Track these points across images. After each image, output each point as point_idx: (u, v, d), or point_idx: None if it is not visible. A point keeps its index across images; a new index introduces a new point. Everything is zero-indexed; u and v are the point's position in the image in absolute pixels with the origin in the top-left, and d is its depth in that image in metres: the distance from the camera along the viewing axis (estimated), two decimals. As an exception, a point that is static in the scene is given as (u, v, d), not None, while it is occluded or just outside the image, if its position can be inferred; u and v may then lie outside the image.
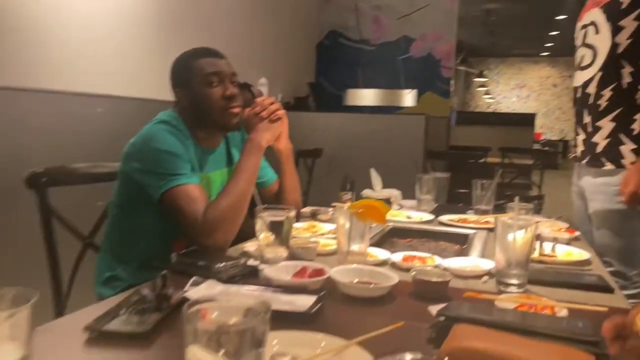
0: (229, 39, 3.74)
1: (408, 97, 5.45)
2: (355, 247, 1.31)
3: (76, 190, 1.72)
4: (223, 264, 1.26)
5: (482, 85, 14.44)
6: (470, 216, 2.01)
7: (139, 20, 3.03)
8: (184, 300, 0.96)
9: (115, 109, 2.80)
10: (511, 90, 17.03)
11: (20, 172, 1.60)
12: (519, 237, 1.13)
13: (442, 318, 0.86)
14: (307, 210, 1.98)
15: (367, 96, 5.56)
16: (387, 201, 2.12)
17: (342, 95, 5.59)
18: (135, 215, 1.55)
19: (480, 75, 13.97)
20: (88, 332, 0.84)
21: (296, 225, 1.68)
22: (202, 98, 1.53)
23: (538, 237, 1.44)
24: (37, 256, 1.57)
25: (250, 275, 1.19)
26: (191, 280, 1.10)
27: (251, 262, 1.27)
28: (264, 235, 1.24)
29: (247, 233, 1.50)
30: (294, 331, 0.83)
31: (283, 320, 0.86)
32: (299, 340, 0.81)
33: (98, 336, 0.84)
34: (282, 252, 1.26)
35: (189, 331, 0.56)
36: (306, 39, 5.46)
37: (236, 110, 1.56)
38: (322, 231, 1.69)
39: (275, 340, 0.79)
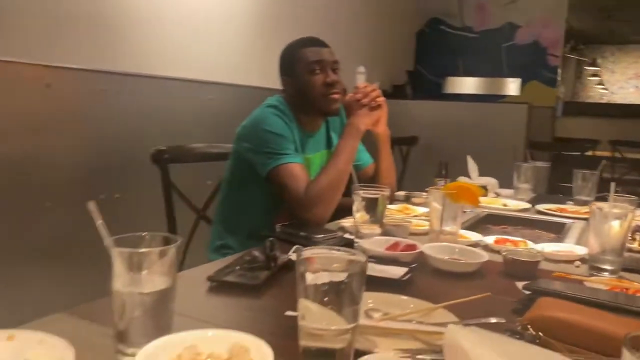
0: (328, 28, 3.85)
1: (511, 86, 5.28)
2: (447, 227, 1.36)
3: (190, 167, 1.91)
4: (322, 235, 1.37)
5: (595, 75, 13.43)
6: (570, 206, 1.97)
7: (246, 11, 3.22)
8: (289, 261, 1.09)
9: (223, 95, 3.02)
10: (628, 80, 15.70)
11: (144, 149, 1.82)
12: (615, 224, 1.13)
13: (528, 292, 0.90)
14: (401, 193, 2.04)
15: (467, 84, 5.46)
16: (484, 189, 2.13)
17: (441, 83, 5.53)
18: (244, 191, 1.71)
19: (593, 64, 13.01)
20: (210, 281, 0.99)
21: (390, 207, 1.76)
22: (305, 85, 1.65)
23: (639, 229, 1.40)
24: (157, 226, 1.78)
25: (346, 247, 1.28)
26: (294, 248, 1.22)
27: (347, 235, 1.38)
28: (360, 213, 1.33)
29: (344, 211, 1.60)
30: (386, 293, 0.92)
31: (376, 285, 0.95)
32: (390, 301, 0.89)
33: (218, 285, 0.99)
34: (376, 229, 1.34)
35: (299, 281, 0.66)
36: (406, 26, 5.45)
37: (336, 96, 1.66)
38: (416, 213, 1.75)
39: (370, 300, 0.88)
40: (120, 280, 0.66)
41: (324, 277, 0.66)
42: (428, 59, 5.56)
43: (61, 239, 2.20)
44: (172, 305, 0.69)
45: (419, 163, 3.68)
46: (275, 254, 1.11)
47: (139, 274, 0.67)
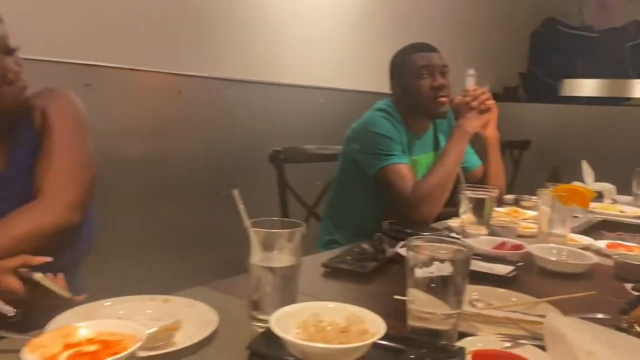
0: (438, 30, 3.85)
1: (637, 87, 4.91)
2: (556, 230, 1.36)
3: (301, 167, 2.05)
4: (428, 233, 1.43)
5: None
6: (698, 215, 1.85)
7: (356, 18, 3.34)
8: (396, 255, 1.16)
9: (333, 99, 3.15)
10: None
11: (262, 150, 1.99)
12: None
13: (638, 293, 0.90)
14: (510, 197, 2.03)
15: (586, 86, 5.16)
16: (599, 195, 2.05)
17: (557, 86, 5.27)
18: (352, 190, 1.81)
19: None
20: (324, 267, 1.10)
21: (498, 209, 1.77)
22: (413, 89, 1.71)
23: None
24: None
25: (452, 245, 1.33)
26: (400, 243, 1.29)
27: (453, 235, 1.42)
28: (467, 213, 1.37)
29: (450, 212, 1.65)
30: (490, 287, 0.97)
31: (482, 280, 1.00)
32: (494, 294, 0.94)
33: (331, 271, 1.09)
34: (483, 229, 1.37)
35: (409, 273, 0.74)
36: (519, 27, 5.27)
37: (443, 99, 1.71)
38: (525, 216, 1.75)
39: (475, 293, 0.94)
40: (256, 256, 0.79)
41: (431, 270, 0.73)
42: (543, 60, 5.33)
43: (188, 227, 2.45)
44: (297, 280, 0.80)
45: (531, 167, 3.57)
46: (383, 247, 1.19)
47: (271, 252, 0.79)
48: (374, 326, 0.67)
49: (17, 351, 0.63)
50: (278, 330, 0.64)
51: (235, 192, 0.82)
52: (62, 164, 1.00)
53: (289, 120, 2.89)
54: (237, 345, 0.71)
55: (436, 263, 0.71)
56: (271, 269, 0.78)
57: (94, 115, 1.15)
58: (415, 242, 0.75)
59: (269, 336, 0.67)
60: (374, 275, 1.09)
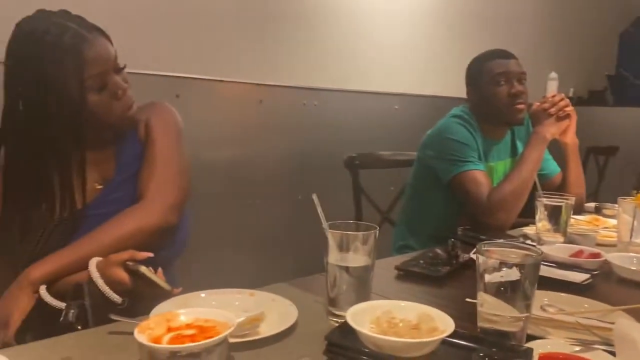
0: (517, 32, 3.77)
1: None
2: (637, 240, 1.32)
3: (376, 173, 2.09)
4: (502, 240, 1.44)
5: None
6: None
7: (431, 25, 3.34)
8: (470, 261, 1.19)
9: (408, 105, 3.18)
10: None
11: (338, 155, 2.06)
12: None
13: None
14: (591, 204, 1.97)
15: (683, 88, 4.83)
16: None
17: (648, 88, 4.97)
18: (426, 196, 1.83)
19: None
20: (397, 270, 1.14)
21: (578, 217, 1.73)
22: (491, 96, 1.72)
23: None
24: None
25: (527, 252, 1.33)
26: (475, 249, 1.31)
27: (529, 242, 1.42)
28: (542, 220, 1.36)
29: (527, 220, 1.63)
30: (563, 294, 0.97)
31: (556, 287, 1.02)
32: (566, 301, 0.95)
33: (404, 274, 1.14)
34: (559, 237, 1.36)
35: (479, 278, 0.77)
36: (606, 27, 5.02)
37: (520, 106, 1.70)
38: (606, 225, 1.70)
39: (546, 298, 0.95)
40: (333, 256, 0.85)
41: (500, 275, 0.76)
42: (632, 61, 5.04)
43: (268, 228, 2.57)
44: (371, 280, 0.86)
45: (618, 174, 3.41)
46: (457, 253, 1.22)
47: (346, 253, 0.85)
48: (444, 324, 0.72)
49: (126, 333, 0.73)
50: (354, 324, 0.70)
51: (315, 197, 0.89)
52: (163, 171, 1.11)
53: (364, 126, 2.95)
54: (315, 337, 0.77)
55: (505, 268, 0.74)
56: (346, 269, 0.84)
57: (183, 124, 1.26)
58: (485, 247, 0.79)
59: (345, 329, 0.73)
60: (446, 279, 1.12)
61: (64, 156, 1.06)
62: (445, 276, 1.12)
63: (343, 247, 0.85)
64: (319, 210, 0.88)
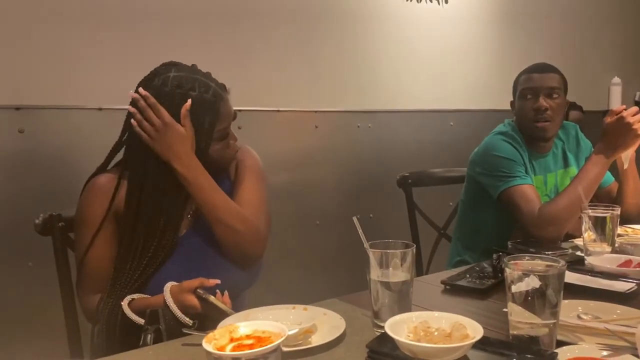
0: (575, 36, 3.69)
1: None
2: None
3: (432, 190, 2.15)
4: (551, 252, 1.47)
5: None
6: None
7: (485, 37, 3.36)
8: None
9: (465, 121, 3.21)
10: None
11: (394, 175, 2.14)
12: None
13: None
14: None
15: None
16: None
17: None
18: (478, 211, 1.88)
19: None
20: (443, 284, 1.21)
21: (636, 226, 1.71)
22: (518, 110, 1.78)
23: None
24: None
25: (576, 263, 1.36)
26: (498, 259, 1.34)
27: (578, 253, 1.44)
28: (588, 231, 1.38)
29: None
30: (597, 302, 1.01)
31: (599, 296, 1.05)
32: (600, 308, 0.98)
33: (450, 288, 1.21)
34: (606, 247, 1.37)
35: (507, 289, 0.84)
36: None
37: (542, 124, 1.72)
38: (665, 234, 1.67)
39: (580, 307, 0.99)
40: (374, 272, 0.94)
41: (525, 285, 0.82)
42: None
43: (328, 249, 2.68)
44: (410, 293, 0.94)
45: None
46: (502, 266, 1.26)
47: (387, 270, 0.94)
48: (474, 331, 0.79)
49: (196, 345, 0.86)
50: (391, 333, 0.79)
51: (355, 219, 0.99)
52: (253, 204, 1.26)
53: (419, 145, 3.01)
54: (361, 346, 0.86)
55: (527, 278, 0.80)
56: (387, 284, 0.93)
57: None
58: (511, 259, 0.85)
59: (384, 338, 0.82)
60: (490, 292, 1.18)
61: (182, 192, 1.20)
62: (488, 289, 1.18)
63: (383, 264, 0.94)
64: (360, 231, 0.98)
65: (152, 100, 1.16)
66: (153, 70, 1.21)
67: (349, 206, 2.75)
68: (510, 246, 1.56)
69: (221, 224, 1.19)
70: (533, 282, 0.79)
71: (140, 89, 1.18)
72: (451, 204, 2.20)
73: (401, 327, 0.84)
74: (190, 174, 1.17)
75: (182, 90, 1.16)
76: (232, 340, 0.83)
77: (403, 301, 0.94)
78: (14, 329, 1.80)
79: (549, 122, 1.73)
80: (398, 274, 0.93)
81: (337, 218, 2.71)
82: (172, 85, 1.17)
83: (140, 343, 0.99)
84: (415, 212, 2.10)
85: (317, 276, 2.59)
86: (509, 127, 1.81)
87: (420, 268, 2.01)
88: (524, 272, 0.81)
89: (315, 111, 2.67)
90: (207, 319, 1.06)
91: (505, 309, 0.96)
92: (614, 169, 1.83)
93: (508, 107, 1.89)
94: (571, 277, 1.19)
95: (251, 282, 1.30)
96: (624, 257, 1.29)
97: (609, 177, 1.86)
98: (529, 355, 0.76)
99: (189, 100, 1.16)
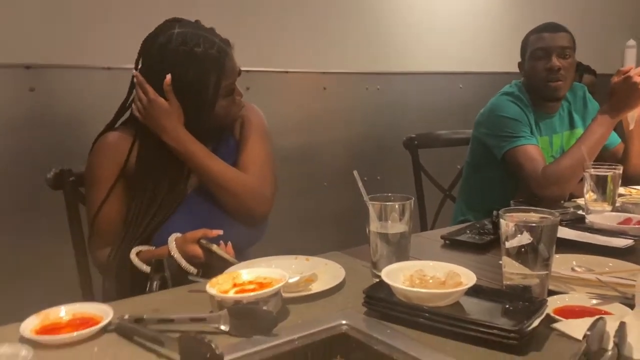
0: (584, 3, 3.61)
1: None
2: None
3: (439, 152, 2.16)
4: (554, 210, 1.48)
5: None
6: None
7: (494, 3, 3.30)
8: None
9: (472, 83, 3.18)
10: None
11: (397, 137, 2.15)
12: None
13: None
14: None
15: None
16: None
17: None
18: (483, 173, 1.89)
19: None
20: (443, 239, 1.24)
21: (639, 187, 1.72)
22: (529, 70, 1.76)
23: None
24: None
25: (577, 222, 1.38)
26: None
27: (580, 212, 1.46)
28: (589, 191, 1.39)
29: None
30: (591, 256, 1.03)
31: (597, 252, 1.07)
32: (593, 262, 1.01)
33: (450, 243, 1.24)
34: (606, 206, 1.38)
35: (502, 243, 0.86)
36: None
37: (556, 83, 1.70)
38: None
39: (574, 261, 1.02)
40: (374, 225, 0.97)
41: (518, 237, 0.84)
42: None
43: (335, 209, 2.71)
44: (408, 245, 0.97)
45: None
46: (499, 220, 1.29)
47: (386, 222, 0.97)
48: (467, 279, 0.82)
49: (201, 291, 0.89)
50: (387, 279, 0.82)
51: (355, 173, 1.01)
52: (258, 163, 1.27)
53: (429, 107, 3.00)
54: (359, 293, 0.89)
55: (522, 231, 0.82)
56: (385, 235, 0.96)
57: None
58: (505, 212, 0.87)
59: (381, 284, 0.85)
60: (489, 247, 1.20)
61: None
62: (487, 244, 1.21)
63: (382, 217, 0.96)
64: (360, 184, 1.00)
65: (139, 78, 1.21)
66: (157, 28, 1.22)
67: (356, 168, 2.75)
68: (512, 205, 1.57)
69: (220, 189, 1.22)
70: (525, 239, 0.81)
71: (133, 72, 1.22)
72: (458, 166, 2.21)
73: (397, 275, 0.87)
74: (179, 145, 1.20)
75: (186, 46, 1.17)
76: (234, 285, 0.87)
77: (401, 253, 0.96)
78: (26, 281, 1.86)
79: (562, 81, 1.71)
80: (396, 226, 0.96)
81: (345, 179, 2.73)
82: (176, 42, 1.17)
83: (147, 290, 1.03)
84: (421, 173, 2.12)
85: (323, 236, 2.63)
86: (515, 87, 1.81)
87: (425, 229, 2.05)
88: (518, 228, 0.83)
89: (324, 72, 2.66)
90: (211, 268, 1.09)
91: (500, 261, 0.99)
92: (619, 131, 1.82)
93: (512, 70, 1.86)
94: (570, 234, 1.21)
95: (256, 239, 1.33)
96: (623, 216, 1.31)
97: (615, 139, 1.86)
98: (520, 302, 0.79)
99: (168, 76, 1.17)
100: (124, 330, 0.77)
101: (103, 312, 0.82)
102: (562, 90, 1.74)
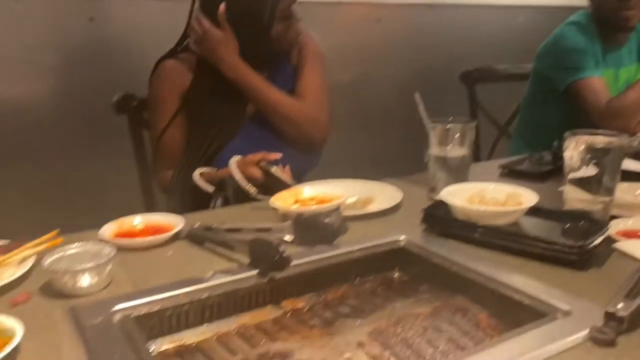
0: None
1: None
2: None
3: (497, 88, 2.10)
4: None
5: None
6: None
7: None
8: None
9: (532, 17, 3.03)
10: None
11: (453, 71, 2.09)
12: None
13: None
14: None
15: None
16: None
17: None
18: (542, 107, 1.83)
19: None
20: (501, 168, 1.24)
21: None
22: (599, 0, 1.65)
23: None
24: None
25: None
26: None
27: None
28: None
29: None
30: None
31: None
32: None
33: (508, 172, 1.23)
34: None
35: (566, 168, 0.84)
36: None
37: (629, 12, 1.59)
38: None
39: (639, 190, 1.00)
40: (434, 149, 0.97)
41: (585, 162, 0.83)
42: None
43: (388, 143, 2.69)
44: (467, 170, 0.97)
45: None
46: (560, 154, 1.26)
47: (446, 146, 0.97)
48: (528, 200, 0.82)
49: (264, 208, 0.93)
50: (447, 197, 0.83)
51: (417, 95, 1.01)
52: (315, 90, 1.29)
53: (487, 40, 2.89)
54: (416, 213, 0.91)
55: (588, 156, 0.81)
56: (444, 159, 0.96)
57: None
58: (570, 137, 0.86)
59: (440, 204, 0.86)
60: (548, 177, 1.19)
61: None
62: (546, 173, 1.19)
63: (442, 141, 0.96)
64: (421, 108, 1.00)
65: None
66: None
67: (409, 102, 2.72)
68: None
69: (277, 117, 1.24)
70: (591, 165, 0.80)
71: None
72: (516, 103, 2.15)
73: (457, 195, 0.87)
74: (235, 74, 1.21)
75: None
76: (297, 201, 0.90)
77: (460, 178, 0.97)
78: (92, 203, 1.96)
79: (634, 10, 1.61)
80: (457, 150, 0.96)
81: (397, 114, 2.71)
82: None
83: (211, 207, 1.08)
84: (477, 110, 2.07)
85: (376, 168, 2.64)
86: (583, 17, 1.71)
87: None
88: (585, 151, 0.81)
89: (378, 3, 2.58)
90: (269, 190, 1.13)
91: (561, 188, 0.98)
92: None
93: (584, 3, 1.76)
94: (636, 166, 1.18)
95: (311, 166, 1.36)
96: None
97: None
98: (581, 223, 0.79)
99: (222, 5, 1.17)
100: (196, 237, 0.82)
101: (174, 221, 0.87)
102: (633, 20, 1.64)
